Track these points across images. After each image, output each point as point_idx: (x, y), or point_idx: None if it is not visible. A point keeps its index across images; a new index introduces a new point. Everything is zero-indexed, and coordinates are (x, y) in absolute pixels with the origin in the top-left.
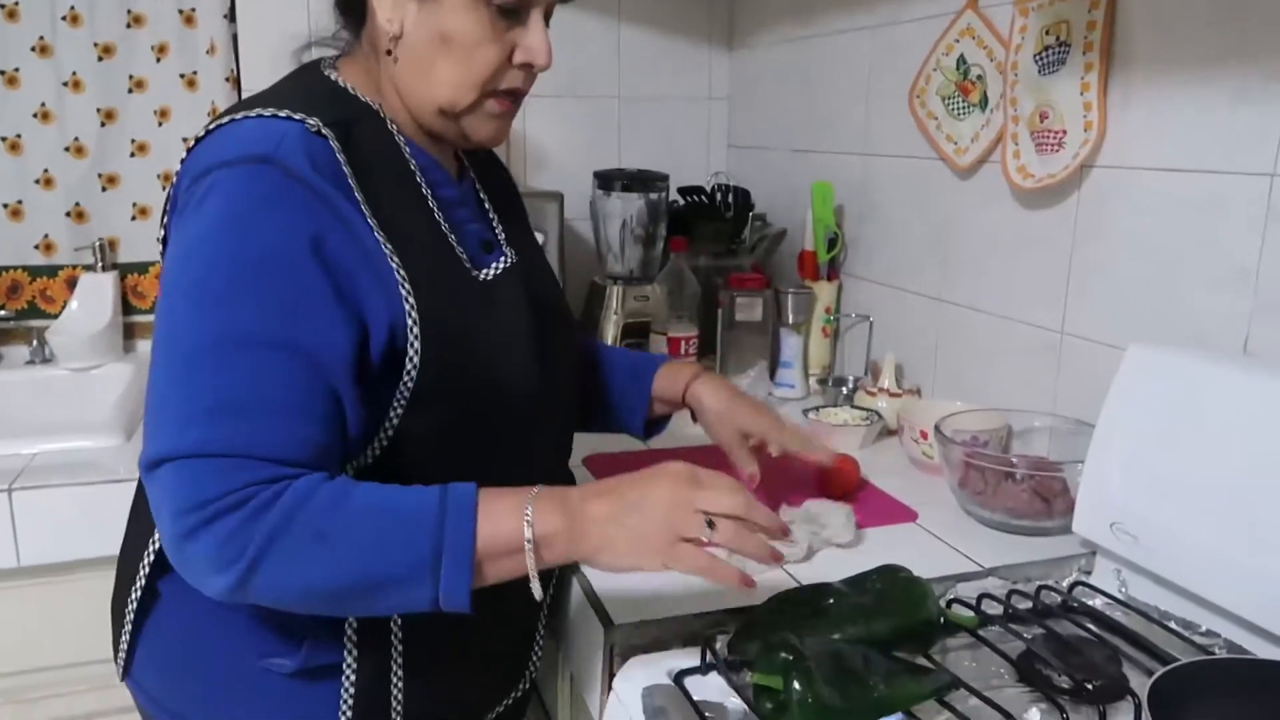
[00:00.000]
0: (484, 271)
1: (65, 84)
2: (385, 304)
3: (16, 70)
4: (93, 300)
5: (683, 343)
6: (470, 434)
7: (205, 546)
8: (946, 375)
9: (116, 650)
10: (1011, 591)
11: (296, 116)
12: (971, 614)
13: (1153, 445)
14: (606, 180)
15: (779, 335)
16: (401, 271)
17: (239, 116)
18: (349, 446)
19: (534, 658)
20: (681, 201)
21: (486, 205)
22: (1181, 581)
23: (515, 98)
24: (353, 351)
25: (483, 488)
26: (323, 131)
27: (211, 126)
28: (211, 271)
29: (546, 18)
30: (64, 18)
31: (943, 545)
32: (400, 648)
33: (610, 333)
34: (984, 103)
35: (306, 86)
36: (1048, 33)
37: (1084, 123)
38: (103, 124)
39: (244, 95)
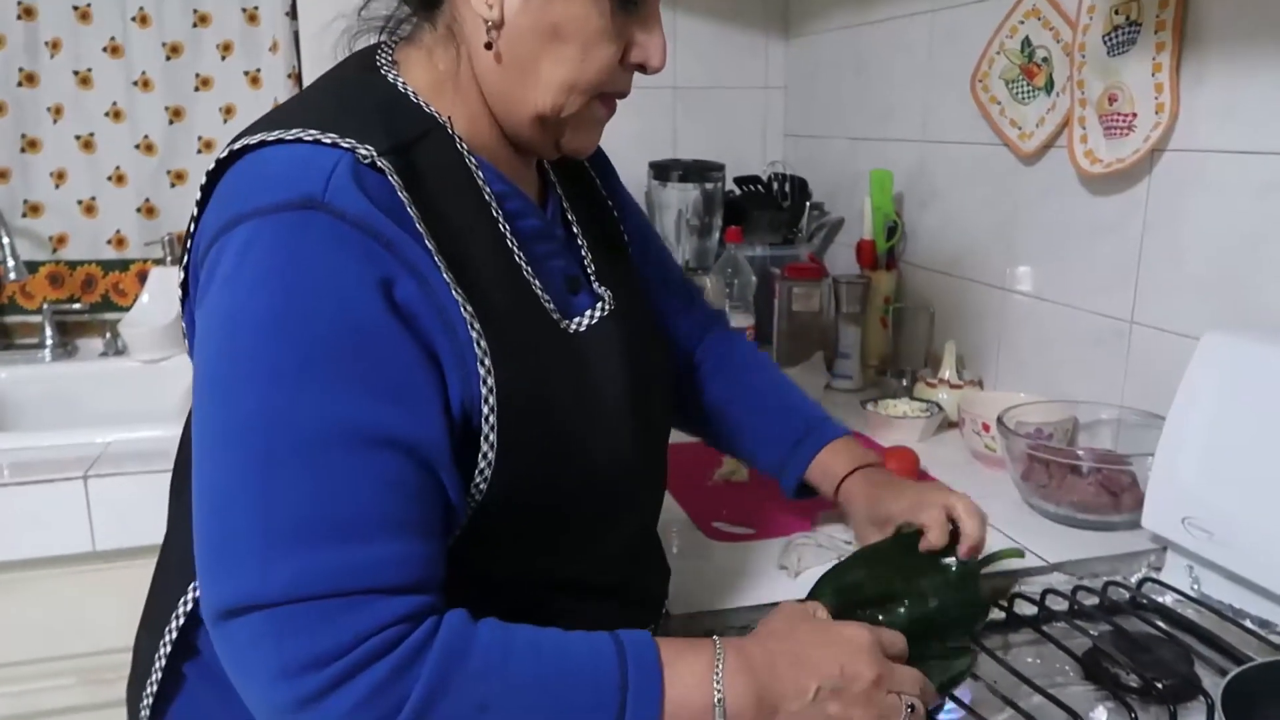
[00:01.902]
0: (574, 322)
1: (135, 83)
2: (460, 376)
3: (89, 70)
4: (162, 294)
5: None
6: (555, 515)
7: (339, 709)
8: (1010, 366)
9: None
10: (1077, 587)
11: (344, 143)
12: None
13: (1228, 437)
14: (662, 171)
15: (837, 325)
16: (482, 343)
17: (270, 139)
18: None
19: None
20: (737, 191)
21: (576, 231)
22: (1257, 578)
23: (614, 102)
24: (447, 425)
25: (661, 641)
26: (378, 163)
27: (236, 149)
28: (274, 352)
29: None
30: (134, 18)
31: (1005, 540)
32: None
33: None
34: (1049, 86)
35: (355, 93)
36: (1117, 12)
37: (1155, 105)
38: (171, 122)
39: None
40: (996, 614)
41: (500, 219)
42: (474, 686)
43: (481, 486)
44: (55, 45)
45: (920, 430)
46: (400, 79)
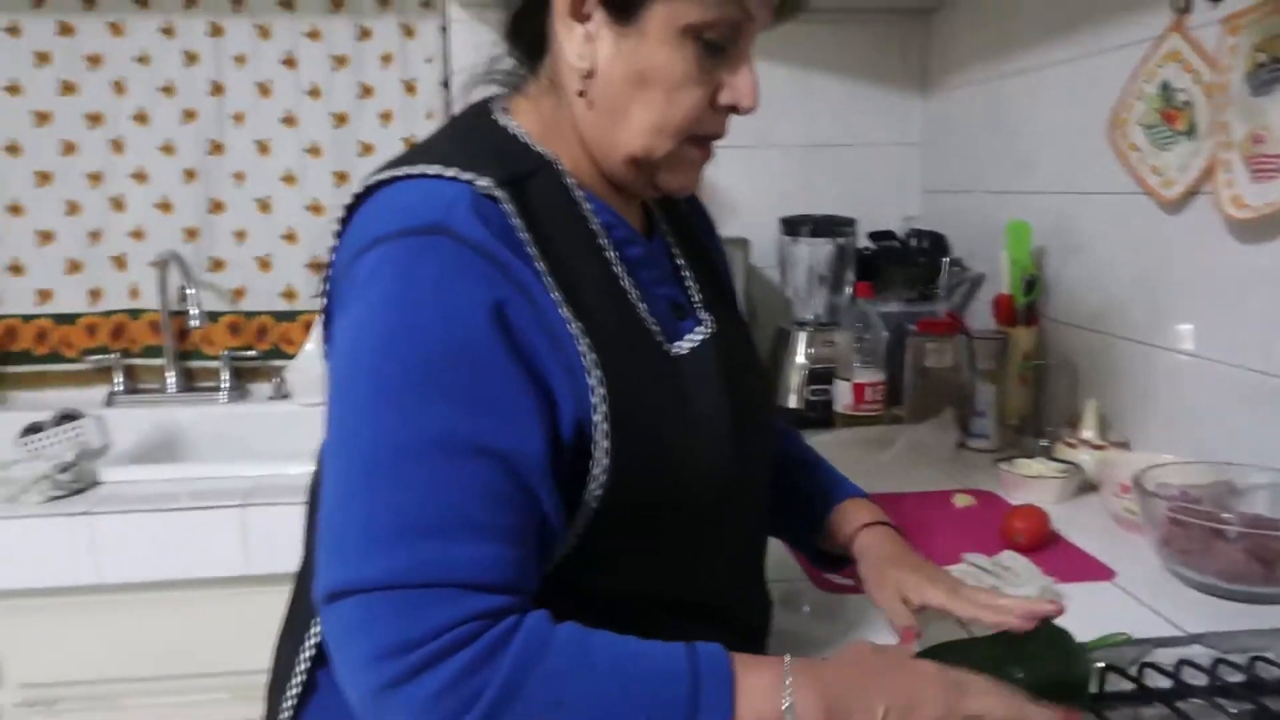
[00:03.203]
0: (677, 345)
1: (306, 150)
2: (572, 394)
3: (268, 139)
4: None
5: (867, 388)
6: (657, 531)
7: (418, 696)
8: (1157, 427)
9: None
10: (1218, 661)
11: (464, 177)
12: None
13: None
14: (793, 225)
15: (972, 383)
16: (590, 355)
17: (400, 175)
18: (548, 551)
19: None
20: (872, 247)
21: (680, 262)
22: None
23: (712, 143)
24: (549, 446)
25: (735, 655)
26: (494, 194)
27: (371, 184)
28: (387, 366)
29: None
30: (307, 92)
31: (1141, 607)
32: None
33: (795, 379)
34: (1191, 130)
35: (473, 135)
36: (1259, 50)
37: None
38: (337, 185)
39: None
40: (1123, 684)
41: (608, 247)
42: (550, 684)
43: (597, 494)
44: (239, 118)
45: (1057, 491)
46: (512, 122)
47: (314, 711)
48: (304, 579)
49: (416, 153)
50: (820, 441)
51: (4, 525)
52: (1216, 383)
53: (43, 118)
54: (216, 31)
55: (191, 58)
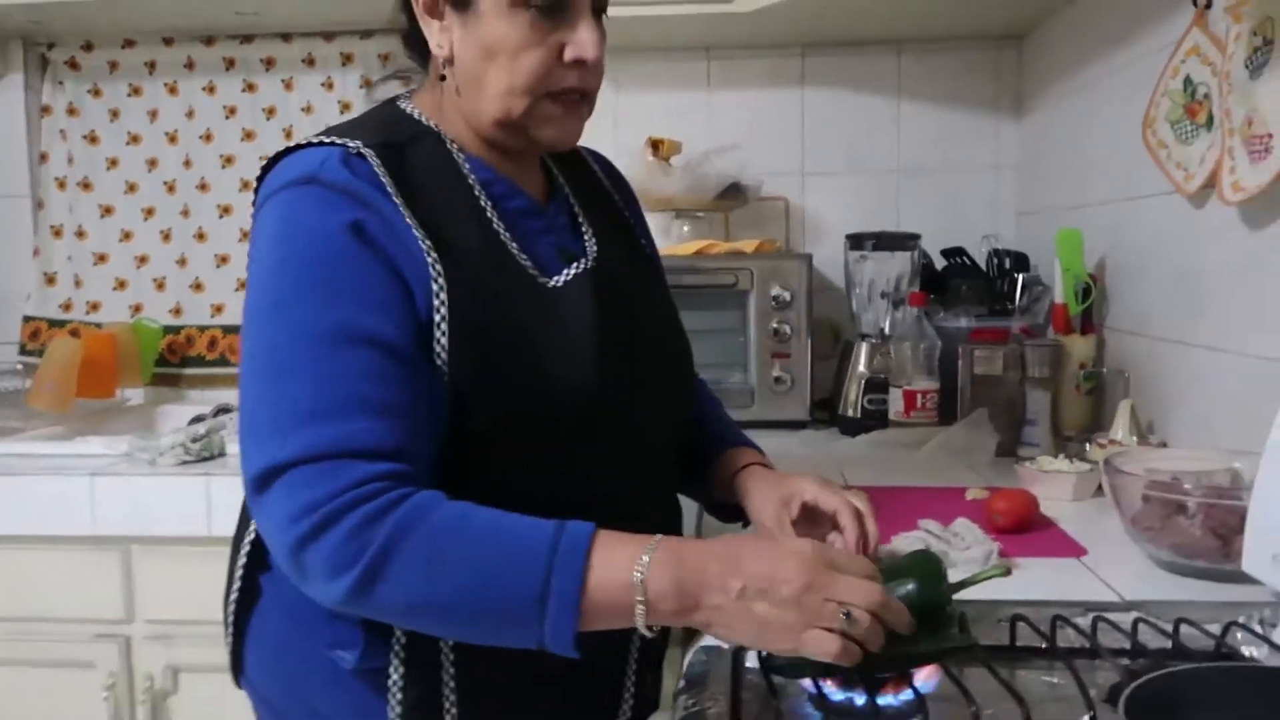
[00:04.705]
0: (554, 279)
1: None
2: (421, 291)
3: None
4: None
5: (919, 396)
6: (532, 440)
7: (323, 550)
8: (1192, 425)
9: (231, 657)
10: (1140, 622)
11: (340, 141)
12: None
13: None
14: (857, 240)
15: (1022, 390)
16: (437, 266)
17: (293, 146)
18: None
19: (627, 690)
20: (945, 263)
21: (581, 220)
22: None
23: (577, 97)
24: (418, 330)
25: (602, 530)
26: (363, 152)
27: (272, 156)
28: (275, 283)
29: (599, 12)
30: None
31: (1095, 580)
32: (452, 670)
33: (854, 390)
34: (1210, 122)
35: (370, 116)
36: (1255, 33)
37: None
38: None
39: None
40: (1034, 638)
41: (483, 197)
42: (428, 541)
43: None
44: None
45: (1072, 488)
46: (413, 107)
47: (261, 617)
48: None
49: (321, 132)
50: (857, 441)
51: (142, 481)
52: (1241, 376)
53: (228, 160)
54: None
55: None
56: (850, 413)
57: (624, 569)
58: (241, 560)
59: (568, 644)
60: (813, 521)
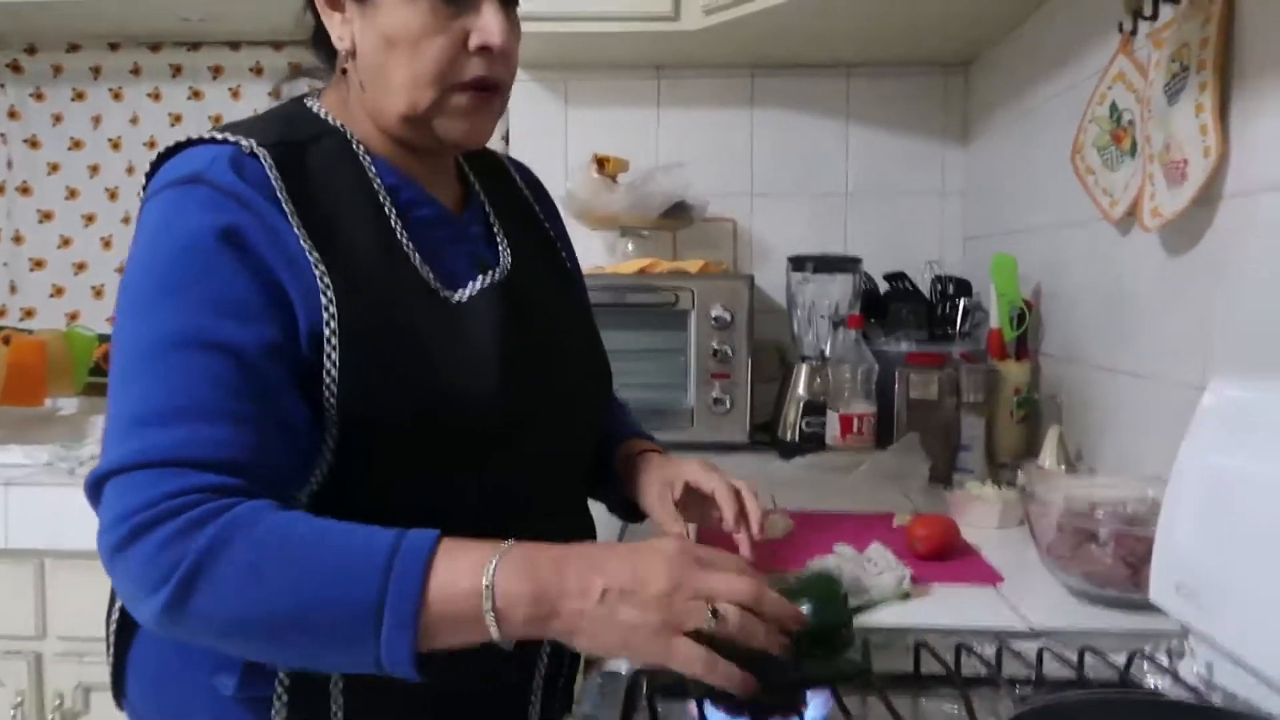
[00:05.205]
0: (459, 291)
1: None
2: (306, 309)
3: None
4: None
5: (855, 420)
6: (428, 453)
7: (135, 560)
8: (1117, 451)
9: (112, 679)
10: (1045, 650)
11: (233, 139)
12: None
13: (1226, 494)
14: (799, 262)
15: (957, 415)
16: (325, 278)
17: (184, 142)
18: (301, 455)
19: (532, 717)
20: (886, 287)
21: (496, 230)
22: (1246, 656)
23: (485, 89)
24: (283, 345)
25: (449, 537)
26: (255, 151)
27: (163, 151)
28: (135, 284)
29: (509, 1)
30: None
31: (1006, 608)
32: (341, 698)
33: (793, 412)
34: (1134, 149)
35: (275, 114)
36: (1173, 60)
37: (1202, 148)
38: None
39: None
40: (934, 665)
41: (387, 203)
42: (252, 546)
43: (331, 400)
44: None
45: (998, 515)
46: (318, 104)
47: (140, 641)
48: None
49: (218, 128)
50: (791, 464)
51: (59, 492)
52: (1164, 403)
53: None
54: None
55: None
56: (789, 435)
57: (469, 574)
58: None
59: (407, 664)
60: (697, 504)
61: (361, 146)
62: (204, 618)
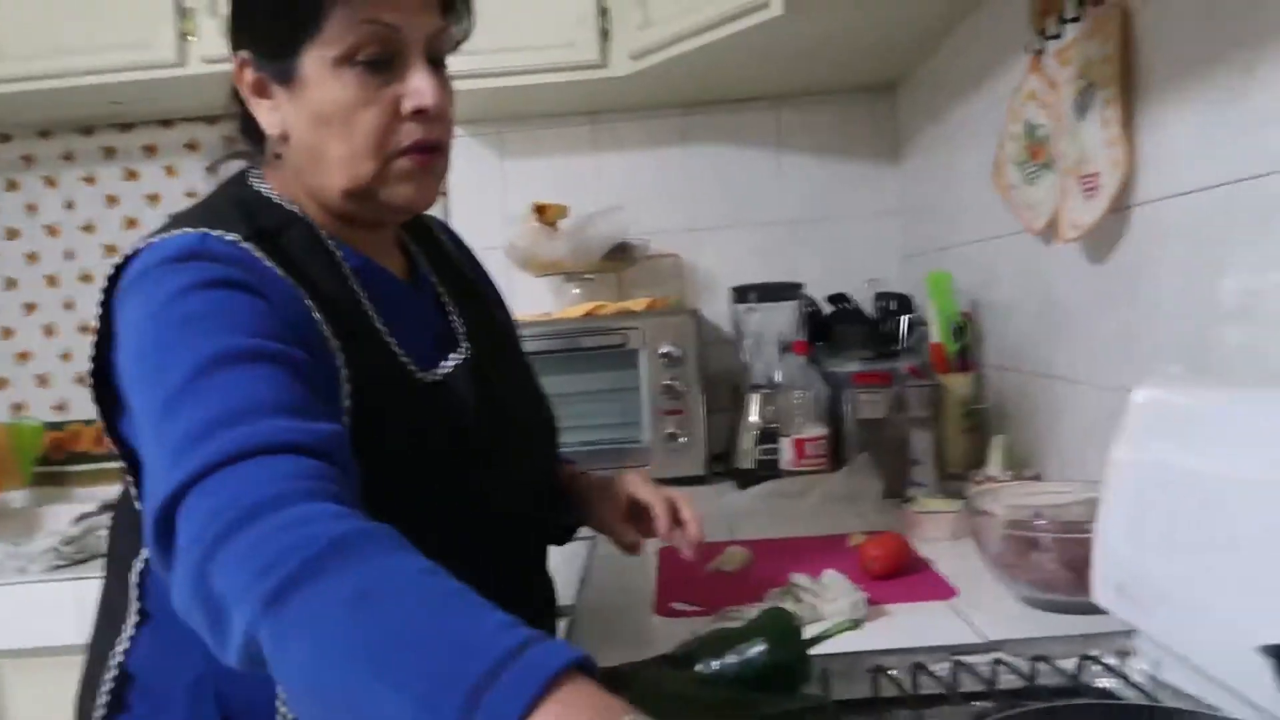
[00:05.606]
0: (432, 372)
1: None
2: (327, 373)
3: None
4: None
5: (807, 444)
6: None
7: (229, 561)
8: (1059, 457)
9: None
10: (1000, 662)
11: (215, 232)
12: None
13: (1157, 496)
14: (742, 293)
15: (906, 432)
16: (340, 354)
17: (154, 240)
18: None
19: None
20: (830, 309)
21: (444, 300)
22: (1189, 653)
23: (426, 151)
24: (313, 364)
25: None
26: (242, 245)
27: (130, 252)
28: (150, 341)
29: (436, 61)
30: None
31: (960, 622)
32: None
33: (748, 441)
34: (1050, 163)
35: (223, 200)
36: (1080, 76)
37: (1111, 161)
38: None
39: None
40: (890, 687)
41: (358, 290)
42: (365, 573)
43: None
44: None
45: (950, 526)
46: (265, 185)
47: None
48: (99, 617)
49: (172, 221)
50: (746, 494)
51: (11, 591)
52: (1100, 406)
53: (110, 249)
54: None
55: None
56: (745, 464)
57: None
58: (110, 676)
59: None
60: (639, 517)
61: (324, 230)
62: (298, 639)
